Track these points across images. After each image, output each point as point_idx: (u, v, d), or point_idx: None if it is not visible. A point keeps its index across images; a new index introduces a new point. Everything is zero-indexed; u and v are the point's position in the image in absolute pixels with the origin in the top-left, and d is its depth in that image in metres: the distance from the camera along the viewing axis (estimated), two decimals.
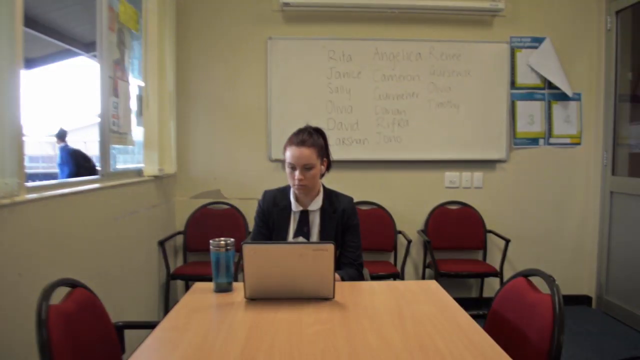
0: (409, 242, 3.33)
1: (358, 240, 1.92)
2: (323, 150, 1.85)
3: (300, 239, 1.88)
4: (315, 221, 1.89)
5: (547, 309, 1.28)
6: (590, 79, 3.57)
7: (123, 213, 2.30)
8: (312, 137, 1.81)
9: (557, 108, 3.58)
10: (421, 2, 3.40)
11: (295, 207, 1.88)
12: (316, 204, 1.88)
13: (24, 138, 1.58)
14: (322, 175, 1.89)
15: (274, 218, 1.90)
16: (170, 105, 3.17)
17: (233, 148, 3.50)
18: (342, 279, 1.79)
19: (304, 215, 1.89)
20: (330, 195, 1.92)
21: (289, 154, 1.80)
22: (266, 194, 1.95)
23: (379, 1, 3.39)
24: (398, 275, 3.21)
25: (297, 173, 1.78)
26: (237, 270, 2.67)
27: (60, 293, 1.27)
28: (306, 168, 1.78)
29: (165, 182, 3.19)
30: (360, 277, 1.89)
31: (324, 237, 1.87)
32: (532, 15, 3.53)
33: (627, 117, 3.44)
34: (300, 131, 1.84)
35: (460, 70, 3.48)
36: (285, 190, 1.93)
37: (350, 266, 1.88)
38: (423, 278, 3.53)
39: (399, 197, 3.55)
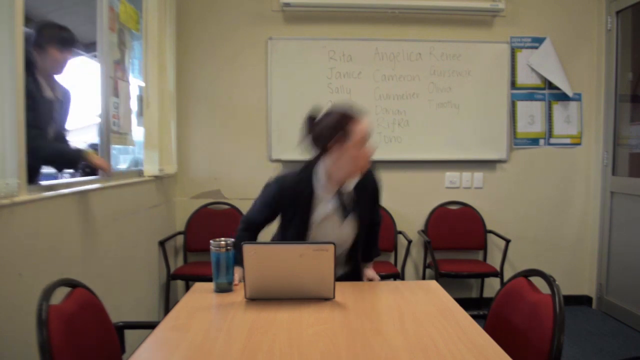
0: (409, 242, 3.33)
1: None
2: None
3: (335, 218, 1.75)
4: (349, 200, 1.77)
5: (548, 309, 1.28)
6: (590, 79, 3.57)
7: (123, 213, 2.30)
8: None
9: (558, 108, 3.58)
10: (421, 2, 3.40)
11: (326, 189, 1.72)
12: (353, 181, 1.75)
13: (24, 138, 1.58)
14: None
15: (293, 204, 1.72)
16: (170, 105, 3.17)
17: (233, 148, 3.50)
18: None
19: (339, 195, 1.75)
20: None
21: (359, 128, 1.66)
22: (285, 181, 1.74)
23: (379, 1, 3.39)
24: (398, 276, 3.21)
25: (367, 148, 1.64)
26: None
27: (60, 293, 1.27)
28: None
29: (165, 182, 3.19)
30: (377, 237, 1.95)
31: (361, 213, 1.77)
32: (532, 15, 3.53)
33: (627, 117, 3.44)
34: (349, 106, 1.72)
35: (461, 70, 3.48)
36: (303, 174, 1.75)
37: (374, 229, 1.91)
38: (423, 278, 3.53)
39: (399, 197, 3.55)
